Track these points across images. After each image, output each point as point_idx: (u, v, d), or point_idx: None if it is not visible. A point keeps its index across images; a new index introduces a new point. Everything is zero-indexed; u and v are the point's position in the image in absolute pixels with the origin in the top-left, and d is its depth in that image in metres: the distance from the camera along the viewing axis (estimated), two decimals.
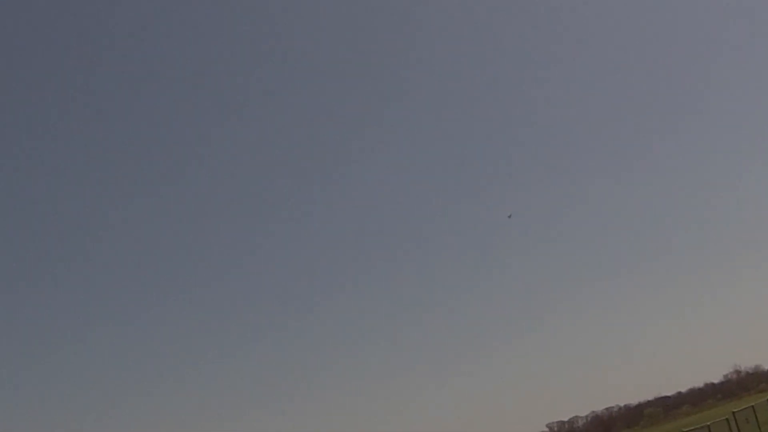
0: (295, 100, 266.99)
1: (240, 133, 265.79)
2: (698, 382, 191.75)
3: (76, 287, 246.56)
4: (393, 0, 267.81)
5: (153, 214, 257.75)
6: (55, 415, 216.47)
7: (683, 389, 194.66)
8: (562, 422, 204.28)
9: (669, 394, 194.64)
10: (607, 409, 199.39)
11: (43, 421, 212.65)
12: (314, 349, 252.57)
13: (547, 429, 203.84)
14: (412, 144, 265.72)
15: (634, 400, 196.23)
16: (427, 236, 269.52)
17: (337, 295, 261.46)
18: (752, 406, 52.93)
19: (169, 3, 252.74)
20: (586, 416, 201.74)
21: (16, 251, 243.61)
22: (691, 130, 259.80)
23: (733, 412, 50.17)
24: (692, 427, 52.57)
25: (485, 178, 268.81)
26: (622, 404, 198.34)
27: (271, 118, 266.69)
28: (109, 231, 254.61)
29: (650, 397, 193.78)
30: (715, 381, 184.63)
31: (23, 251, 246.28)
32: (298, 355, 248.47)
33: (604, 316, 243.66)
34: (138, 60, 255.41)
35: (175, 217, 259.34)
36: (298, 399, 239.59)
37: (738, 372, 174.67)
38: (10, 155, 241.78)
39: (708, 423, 50.15)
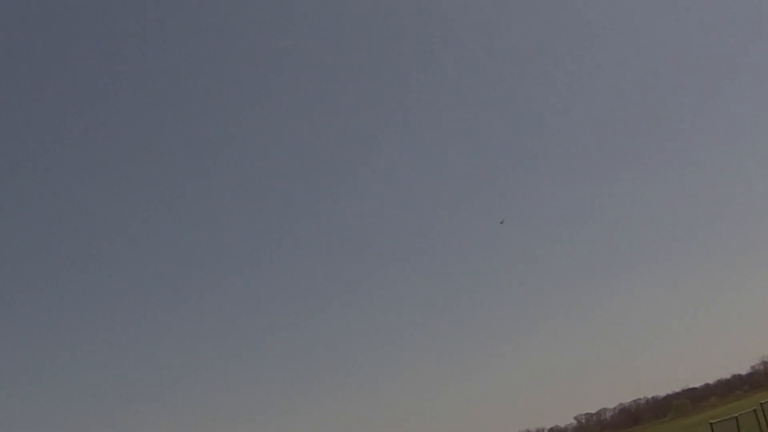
0: (298, 104, 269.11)
1: (244, 136, 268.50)
2: (725, 374, 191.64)
3: (81, 290, 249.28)
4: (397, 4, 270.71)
5: (158, 217, 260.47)
6: (58, 417, 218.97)
7: (711, 381, 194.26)
8: (590, 414, 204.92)
9: (696, 385, 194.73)
10: (634, 401, 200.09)
11: (46, 422, 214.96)
12: (326, 350, 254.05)
13: (575, 421, 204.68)
14: (414, 147, 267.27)
15: (661, 392, 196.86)
16: (440, 236, 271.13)
17: (345, 298, 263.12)
18: None
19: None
20: (614, 408, 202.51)
21: (22, 254, 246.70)
22: (712, 126, 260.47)
23: (761, 403, 51.72)
24: (720, 419, 54.23)
25: (489, 181, 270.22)
26: (649, 396, 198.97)
27: (273, 120, 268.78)
28: (115, 233, 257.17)
29: (678, 389, 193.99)
30: (743, 372, 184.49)
31: (29, 254, 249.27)
32: (301, 356, 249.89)
33: (632, 309, 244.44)
34: (150, 60, 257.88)
35: (179, 220, 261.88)
36: (302, 400, 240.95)
37: (765, 363, 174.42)
38: (12, 155, 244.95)
39: (735, 414, 51.68)
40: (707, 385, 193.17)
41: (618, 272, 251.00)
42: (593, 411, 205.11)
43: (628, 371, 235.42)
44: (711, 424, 55.20)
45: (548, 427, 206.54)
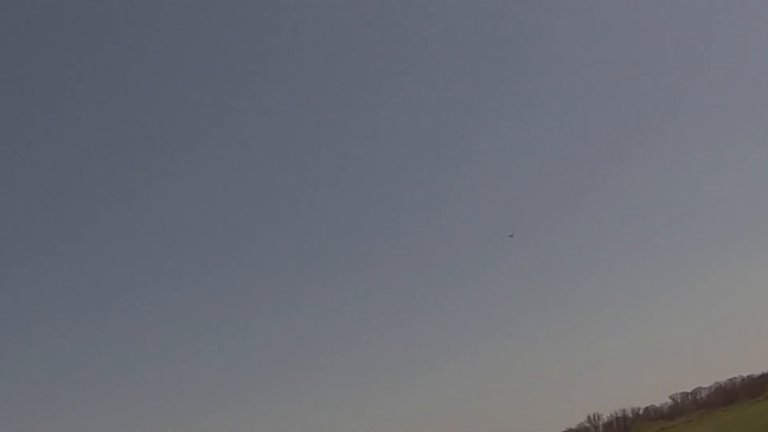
0: (290, 104, 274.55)
1: (241, 133, 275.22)
2: None
3: (72, 284, 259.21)
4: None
5: (152, 212, 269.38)
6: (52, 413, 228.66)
7: None
8: (686, 393, 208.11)
9: None
10: (730, 379, 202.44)
11: (42, 418, 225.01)
12: (331, 347, 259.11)
13: (670, 400, 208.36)
14: (413, 147, 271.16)
15: (757, 371, 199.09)
16: (452, 232, 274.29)
17: (344, 295, 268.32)
18: None
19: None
20: (710, 387, 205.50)
21: (17, 247, 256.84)
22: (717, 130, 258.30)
23: None
24: None
25: (488, 181, 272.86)
26: (745, 375, 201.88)
27: (271, 119, 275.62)
28: (109, 227, 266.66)
29: None
30: None
31: (27, 248, 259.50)
32: (304, 356, 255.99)
33: (728, 288, 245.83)
34: (150, 57, 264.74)
35: (172, 215, 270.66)
36: (305, 400, 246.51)
37: None
38: (9, 153, 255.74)
39: None
40: None
41: (713, 254, 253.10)
42: (688, 390, 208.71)
43: (724, 350, 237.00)
44: None
45: (644, 406, 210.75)
